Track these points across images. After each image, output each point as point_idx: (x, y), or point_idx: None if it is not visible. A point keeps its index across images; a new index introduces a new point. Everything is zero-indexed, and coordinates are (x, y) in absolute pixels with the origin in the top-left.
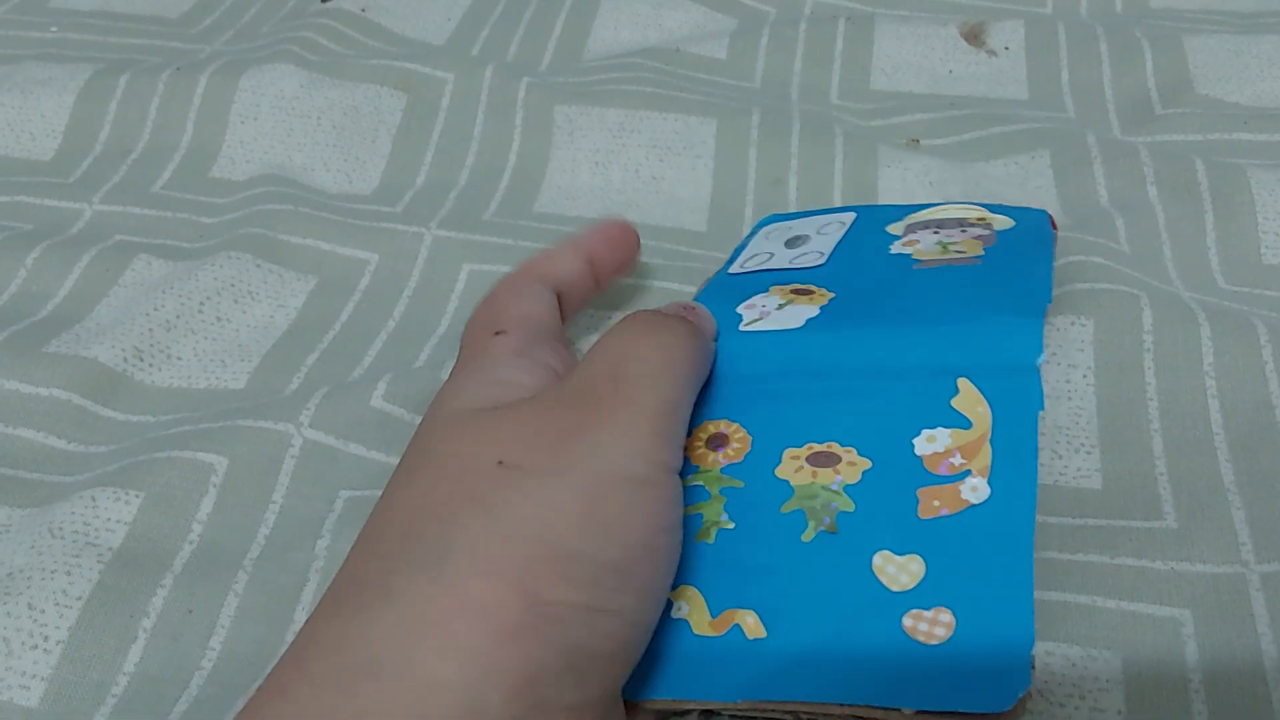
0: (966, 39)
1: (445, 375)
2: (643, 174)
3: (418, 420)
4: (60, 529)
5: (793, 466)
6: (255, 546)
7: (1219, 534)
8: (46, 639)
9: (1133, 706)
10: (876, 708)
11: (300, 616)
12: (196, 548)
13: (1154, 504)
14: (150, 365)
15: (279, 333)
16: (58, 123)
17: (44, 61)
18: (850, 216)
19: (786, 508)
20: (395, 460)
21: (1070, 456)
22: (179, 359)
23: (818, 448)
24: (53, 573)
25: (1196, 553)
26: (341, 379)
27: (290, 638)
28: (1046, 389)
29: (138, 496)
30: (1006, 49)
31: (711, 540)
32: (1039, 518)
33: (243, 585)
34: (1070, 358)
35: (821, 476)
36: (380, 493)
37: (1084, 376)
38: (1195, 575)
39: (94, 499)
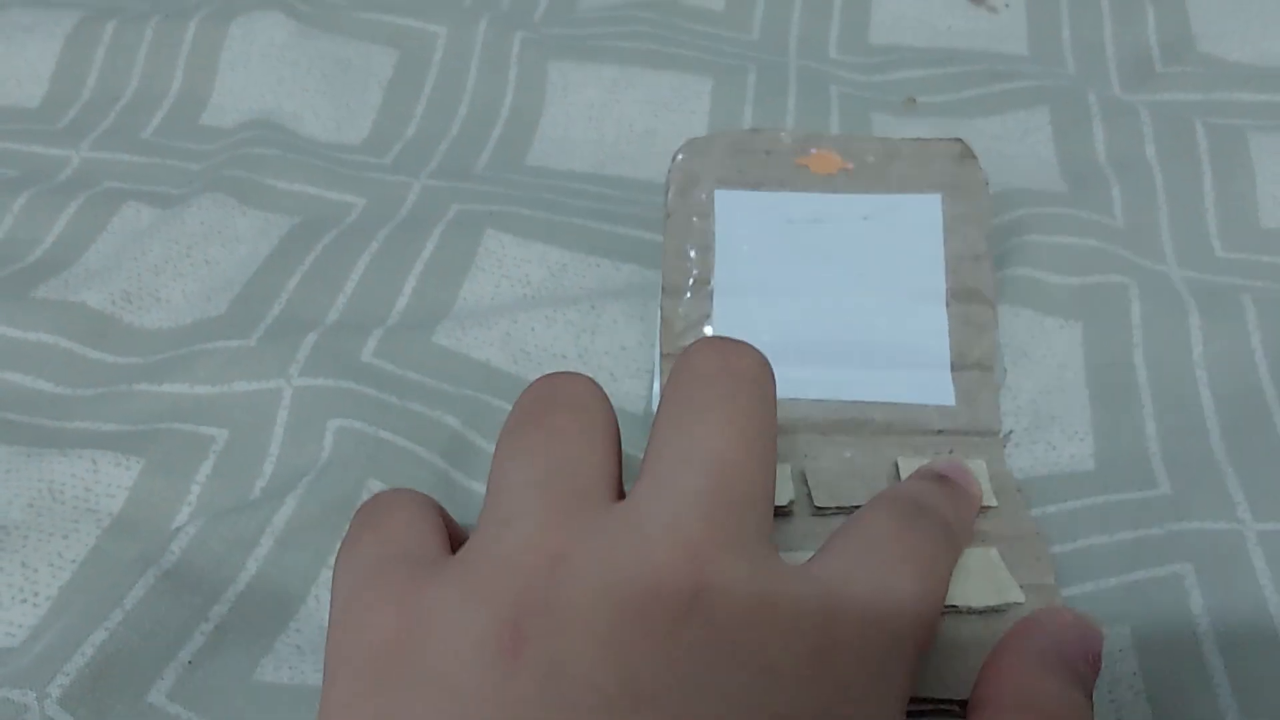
0: None
1: (439, 338)
2: (636, 129)
3: (410, 374)
4: (61, 492)
5: None
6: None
7: (1214, 496)
8: (36, 594)
9: (1147, 666)
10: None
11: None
12: (194, 509)
13: (1148, 476)
14: (139, 308)
15: (260, 259)
16: (44, 69)
17: (29, 7)
18: None
19: None
20: (384, 396)
21: (1064, 445)
22: (167, 302)
23: None
24: (50, 535)
25: (1193, 512)
26: (323, 306)
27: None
28: (1038, 385)
29: (138, 463)
30: (1007, 5)
31: None
32: (1039, 509)
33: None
34: (1059, 358)
35: None
36: (369, 426)
37: (1075, 374)
38: (1193, 533)
39: (95, 462)
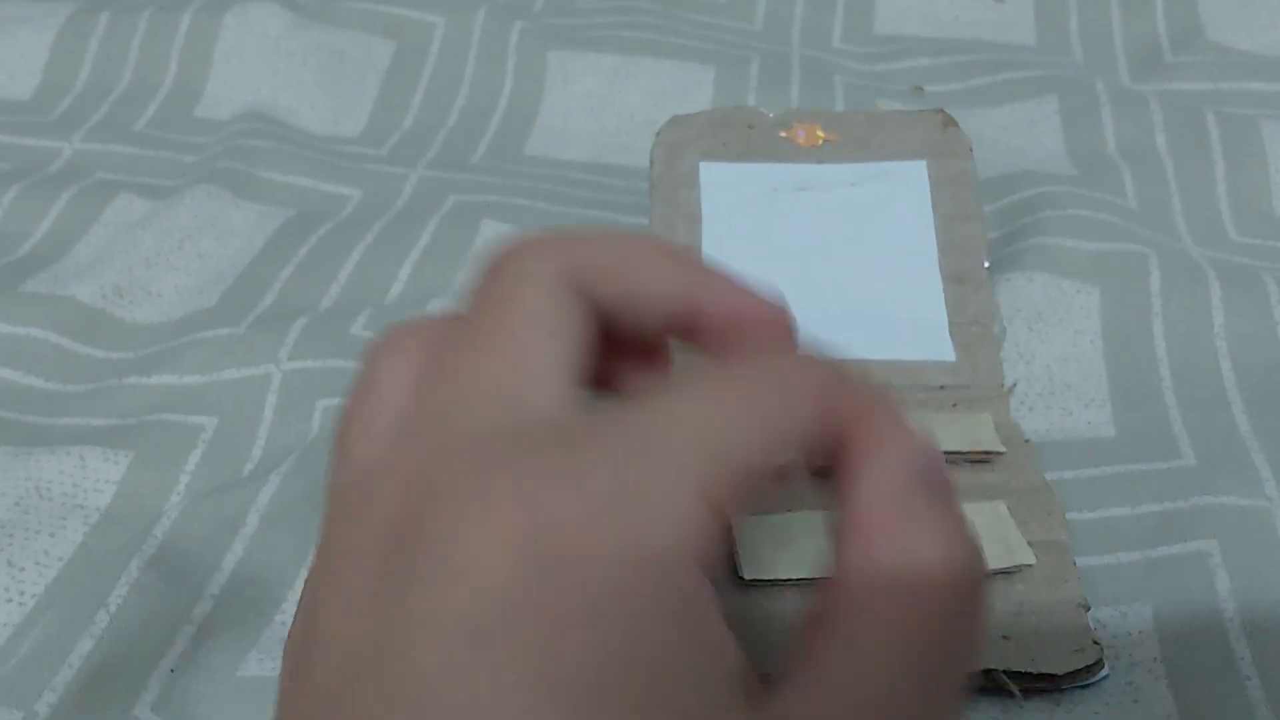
0: None
1: (432, 310)
2: (637, 119)
3: None
4: (49, 490)
5: None
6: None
7: (1240, 470)
8: (22, 594)
9: (1169, 651)
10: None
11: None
12: (183, 498)
13: (1171, 446)
14: (130, 303)
15: (254, 252)
16: (36, 61)
17: None
18: None
19: None
20: None
21: (1081, 411)
22: (159, 295)
23: None
24: (37, 533)
25: (1219, 486)
26: (316, 295)
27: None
28: (1053, 351)
29: (126, 457)
30: None
31: None
32: (1056, 474)
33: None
34: (1076, 324)
35: None
36: None
37: (1091, 341)
38: (1219, 507)
39: (83, 458)
